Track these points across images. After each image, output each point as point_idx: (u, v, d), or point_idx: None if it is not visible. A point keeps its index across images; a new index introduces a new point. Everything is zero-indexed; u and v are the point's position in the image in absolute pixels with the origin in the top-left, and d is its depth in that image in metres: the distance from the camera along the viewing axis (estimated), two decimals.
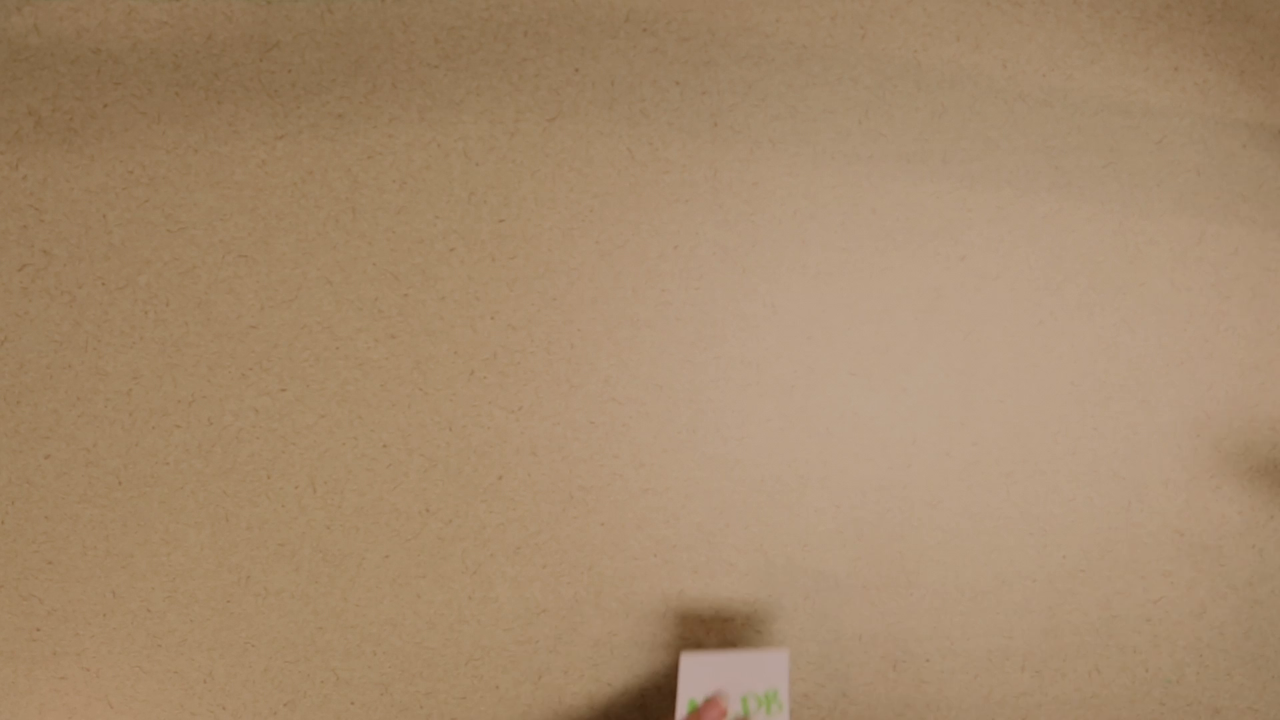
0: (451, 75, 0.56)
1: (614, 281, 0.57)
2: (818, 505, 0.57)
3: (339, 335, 0.56)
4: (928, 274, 0.57)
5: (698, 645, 0.57)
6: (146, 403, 0.56)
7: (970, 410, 0.57)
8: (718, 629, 0.57)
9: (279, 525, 0.56)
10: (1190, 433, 0.57)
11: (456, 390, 0.56)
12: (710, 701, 0.52)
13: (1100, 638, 0.57)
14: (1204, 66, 0.57)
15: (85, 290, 0.56)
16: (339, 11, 0.56)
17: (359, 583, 0.56)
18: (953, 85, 0.57)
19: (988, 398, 0.57)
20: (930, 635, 0.57)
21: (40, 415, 0.56)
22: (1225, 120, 0.57)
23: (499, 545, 0.57)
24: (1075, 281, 0.57)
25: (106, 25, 0.56)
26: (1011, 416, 0.57)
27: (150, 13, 0.56)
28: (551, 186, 0.56)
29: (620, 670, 0.56)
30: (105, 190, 0.56)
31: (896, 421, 0.57)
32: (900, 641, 0.57)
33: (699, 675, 0.53)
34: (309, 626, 0.56)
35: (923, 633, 0.57)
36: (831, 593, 0.57)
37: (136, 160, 0.56)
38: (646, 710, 0.56)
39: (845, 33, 0.56)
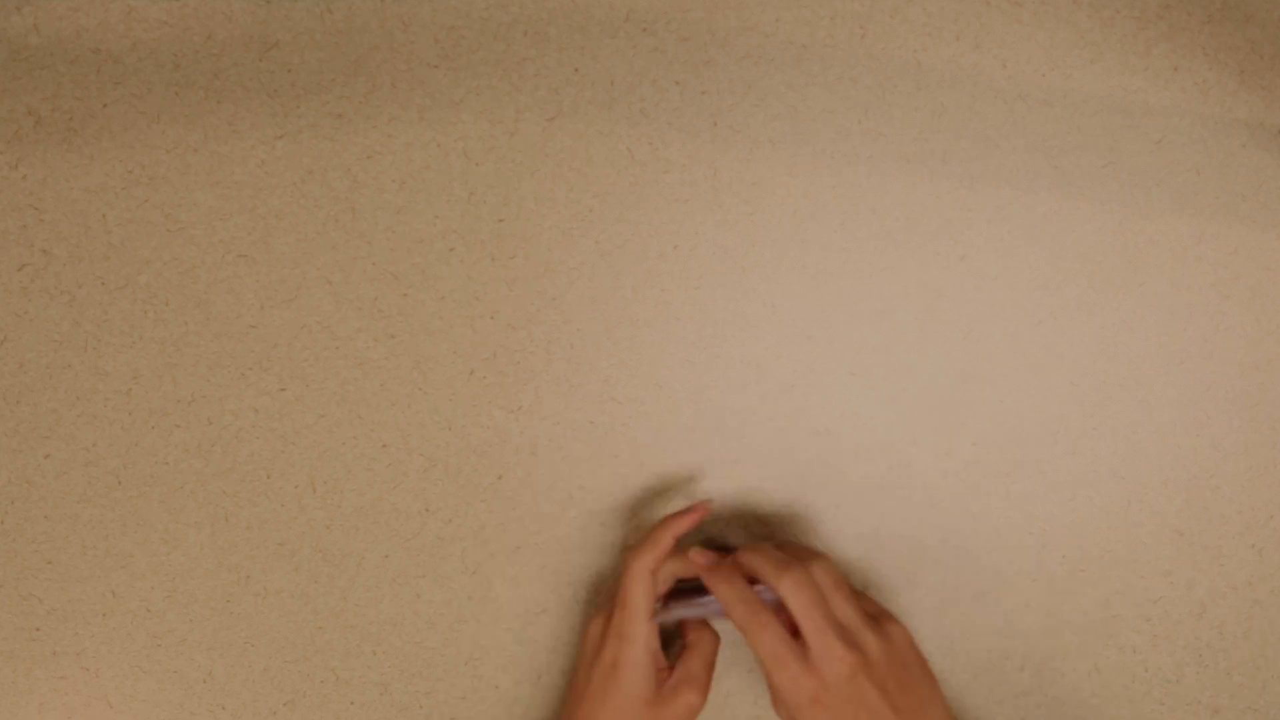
0: (451, 75, 0.56)
1: (614, 281, 0.57)
2: (817, 505, 0.57)
3: (339, 335, 0.56)
4: (927, 274, 0.57)
5: None
6: (146, 403, 0.56)
7: (970, 410, 0.57)
8: (717, 627, 0.57)
9: (279, 525, 0.56)
10: (1190, 433, 0.57)
11: (456, 390, 0.56)
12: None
13: (1100, 638, 0.57)
14: (1204, 66, 0.57)
15: (85, 290, 0.56)
16: (339, 11, 0.56)
17: (359, 583, 0.56)
18: (953, 85, 0.57)
19: (988, 398, 0.57)
20: (930, 635, 0.57)
21: (40, 415, 0.56)
22: (1225, 120, 0.57)
23: (499, 545, 0.57)
24: (1075, 281, 0.57)
25: (106, 25, 0.56)
26: (1011, 416, 0.57)
27: (150, 13, 0.56)
28: (551, 186, 0.56)
29: None
30: (105, 190, 0.56)
31: (896, 421, 0.57)
32: None
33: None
34: (309, 626, 0.56)
35: (923, 633, 0.57)
36: None
37: (136, 160, 0.56)
38: None
39: (845, 33, 0.56)
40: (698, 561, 0.52)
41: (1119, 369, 0.57)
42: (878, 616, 0.50)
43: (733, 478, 0.57)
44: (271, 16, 0.56)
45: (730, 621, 0.49)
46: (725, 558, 0.52)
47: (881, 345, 0.57)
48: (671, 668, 0.52)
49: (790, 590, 0.48)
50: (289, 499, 0.56)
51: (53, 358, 0.56)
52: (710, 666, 0.52)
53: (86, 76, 0.56)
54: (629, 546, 0.53)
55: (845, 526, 0.57)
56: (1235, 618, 0.57)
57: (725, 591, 0.50)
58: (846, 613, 0.49)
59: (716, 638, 0.53)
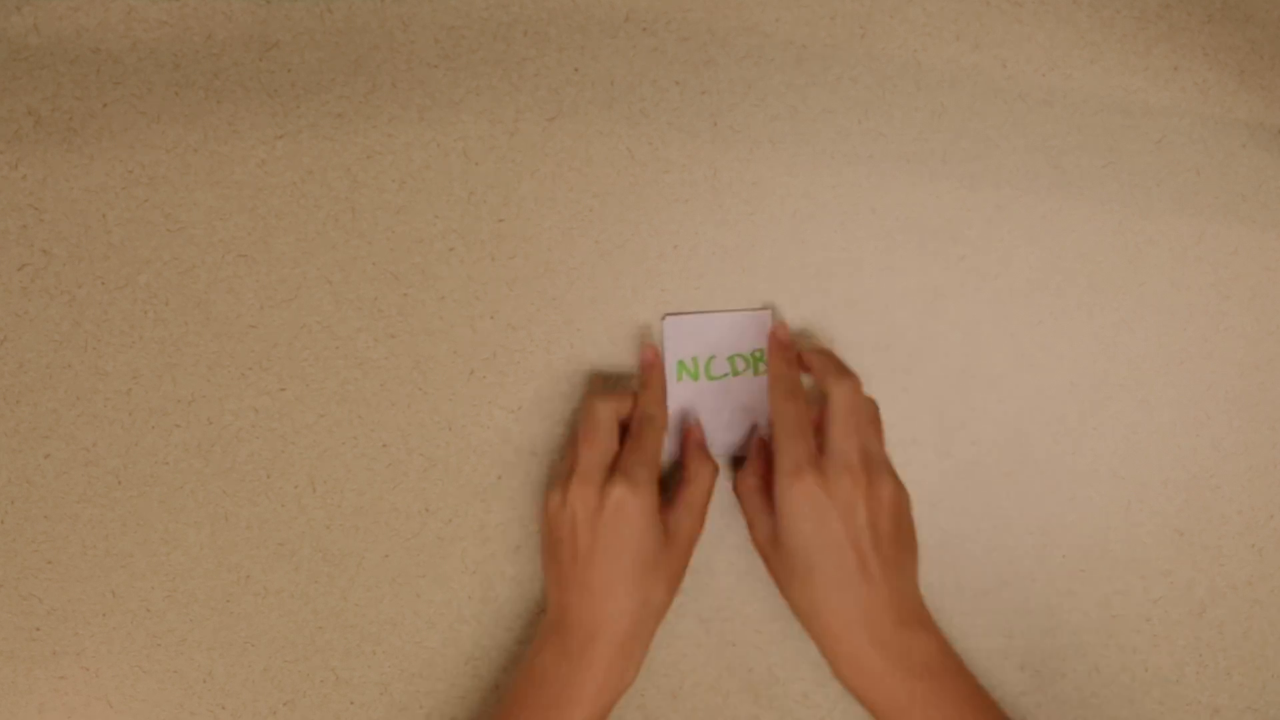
0: (451, 75, 0.56)
1: (614, 281, 0.57)
2: None
3: (339, 335, 0.56)
4: (928, 274, 0.57)
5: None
6: (146, 402, 0.56)
7: (970, 410, 0.57)
8: (717, 628, 0.57)
9: (279, 525, 0.56)
10: (1190, 433, 0.57)
11: (456, 390, 0.56)
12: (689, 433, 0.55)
13: (1100, 638, 0.57)
14: (1204, 66, 0.57)
15: (85, 290, 0.56)
16: (339, 11, 0.56)
17: (359, 583, 0.56)
18: (953, 85, 0.57)
19: (988, 398, 0.57)
20: None
21: (40, 415, 0.56)
22: (1225, 120, 0.57)
23: (499, 545, 0.57)
24: (1075, 281, 0.57)
25: (106, 25, 0.56)
26: (1011, 416, 0.57)
27: (150, 13, 0.56)
28: (551, 186, 0.56)
29: None
30: (105, 190, 0.56)
31: (897, 421, 0.57)
32: None
33: (683, 336, 0.55)
34: (309, 626, 0.56)
35: None
36: None
37: (136, 160, 0.56)
38: (646, 711, 0.56)
39: (845, 33, 0.56)
40: (776, 333, 0.54)
41: (1119, 369, 0.57)
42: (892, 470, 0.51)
43: (733, 477, 0.57)
44: (271, 16, 0.56)
45: (770, 400, 0.51)
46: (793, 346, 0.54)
47: (881, 345, 0.57)
48: (667, 506, 0.52)
49: (844, 394, 0.50)
50: (289, 499, 0.56)
51: (53, 358, 0.56)
52: (709, 497, 0.53)
53: (86, 76, 0.56)
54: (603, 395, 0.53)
55: None
56: (1235, 618, 0.57)
57: (780, 368, 0.52)
58: (877, 448, 0.50)
59: (715, 467, 0.54)
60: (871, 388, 0.57)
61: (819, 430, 0.50)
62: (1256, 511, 0.57)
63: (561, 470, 0.52)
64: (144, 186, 0.56)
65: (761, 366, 0.55)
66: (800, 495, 0.47)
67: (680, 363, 0.55)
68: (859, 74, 0.56)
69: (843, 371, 0.51)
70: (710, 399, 0.55)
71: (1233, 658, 0.57)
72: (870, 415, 0.52)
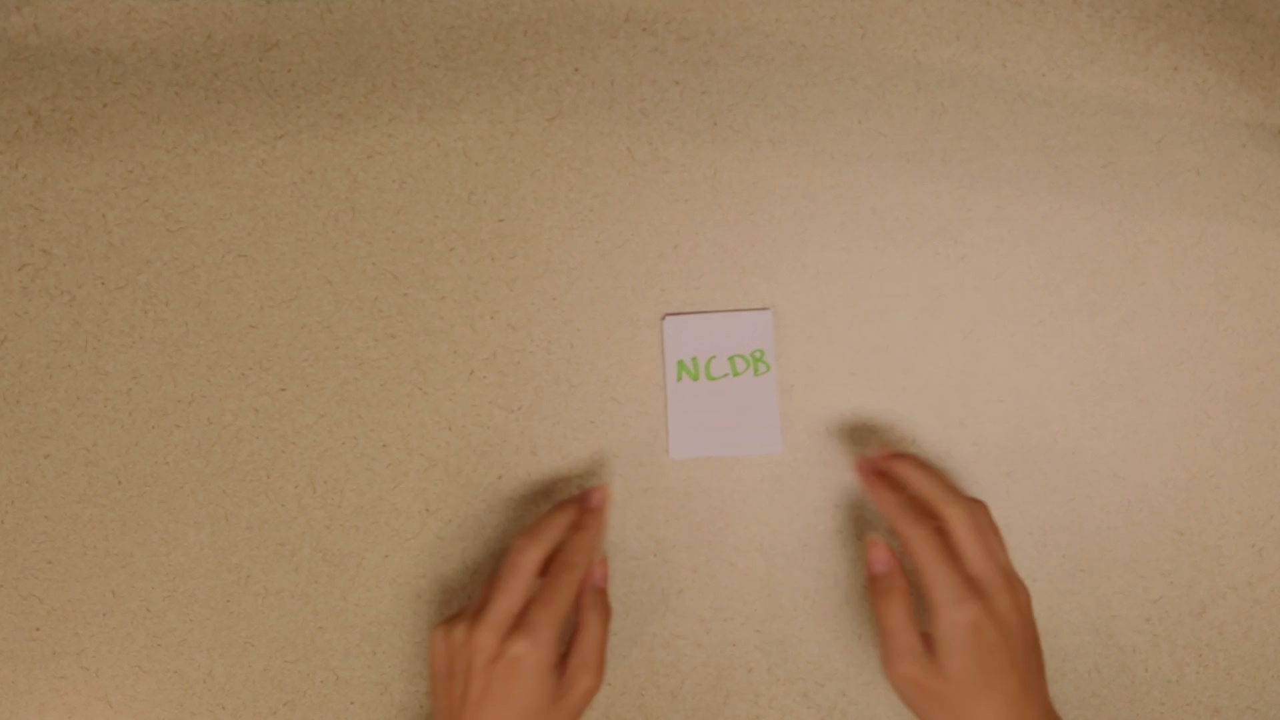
0: (451, 75, 0.56)
1: (614, 281, 0.57)
2: (817, 505, 0.57)
3: (339, 335, 0.56)
4: (928, 274, 0.57)
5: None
6: (146, 403, 0.56)
7: (970, 410, 0.57)
8: (717, 628, 0.57)
9: (279, 525, 0.56)
10: (1190, 433, 0.57)
11: (456, 390, 0.56)
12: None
13: (1100, 638, 0.57)
14: (1204, 66, 0.57)
15: (85, 290, 0.56)
16: (339, 11, 0.56)
17: (359, 583, 0.57)
18: (953, 85, 0.57)
19: (988, 398, 0.57)
20: None
21: (40, 415, 0.56)
22: (1225, 120, 0.57)
23: (499, 545, 0.57)
24: (1075, 281, 0.57)
25: (106, 25, 0.56)
26: (1011, 416, 0.57)
27: (150, 13, 0.56)
28: (551, 186, 0.56)
29: (620, 669, 0.56)
30: (105, 190, 0.56)
31: (896, 421, 0.57)
32: None
33: (683, 337, 0.54)
34: (309, 626, 0.56)
35: None
36: (832, 591, 0.57)
37: (136, 160, 0.56)
38: (646, 711, 0.56)
39: (845, 33, 0.56)
40: (868, 466, 0.53)
41: (1119, 369, 0.57)
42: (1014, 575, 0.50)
43: (732, 478, 0.57)
44: (271, 16, 0.56)
45: (898, 529, 0.50)
46: (889, 461, 0.53)
47: (881, 345, 0.57)
48: (564, 654, 0.50)
49: (963, 515, 0.49)
50: (289, 499, 0.56)
51: (53, 358, 0.56)
52: (603, 645, 0.51)
53: (86, 76, 0.56)
54: (523, 534, 0.51)
55: (845, 527, 0.57)
56: (1235, 618, 0.57)
57: (891, 499, 0.51)
58: (1005, 557, 0.50)
59: (607, 613, 0.52)
60: (871, 387, 0.57)
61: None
62: (1256, 511, 0.57)
63: (472, 605, 0.50)
64: (144, 186, 0.56)
65: (761, 367, 0.55)
66: (967, 624, 0.47)
67: (680, 363, 0.55)
68: (859, 74, 0.56)
69: (952, 492, 0.50)
70: (710, 399, 0.55)
71: (1233, 658, 0.57)
72: (990, 525, 0.51)
